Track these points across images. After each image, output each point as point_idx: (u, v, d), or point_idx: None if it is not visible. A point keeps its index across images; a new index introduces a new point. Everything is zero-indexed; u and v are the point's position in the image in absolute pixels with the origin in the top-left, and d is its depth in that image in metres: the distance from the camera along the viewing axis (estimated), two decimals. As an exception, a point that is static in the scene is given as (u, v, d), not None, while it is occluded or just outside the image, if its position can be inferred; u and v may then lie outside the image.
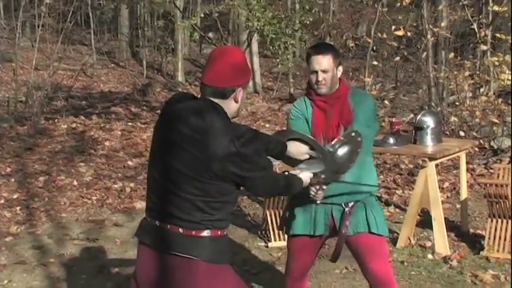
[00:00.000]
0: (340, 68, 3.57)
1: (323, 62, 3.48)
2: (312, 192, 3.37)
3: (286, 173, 3.22)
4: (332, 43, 13.79)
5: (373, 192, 3.67)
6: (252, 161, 2.77)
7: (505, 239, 5.43)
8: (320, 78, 3.49)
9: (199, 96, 2.89)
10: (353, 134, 3.36)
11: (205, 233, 2.78)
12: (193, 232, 2.76)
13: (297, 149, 3.21)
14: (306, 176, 3.18)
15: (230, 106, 2.84)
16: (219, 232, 2.82)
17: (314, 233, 3.59)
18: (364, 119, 3.48)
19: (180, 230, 2.76)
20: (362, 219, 3.54)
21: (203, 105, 2.79)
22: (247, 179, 2.80)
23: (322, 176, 3.27)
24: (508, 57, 8.88)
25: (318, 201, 3.42)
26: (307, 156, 3.24)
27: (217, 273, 2.80)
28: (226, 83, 2.80)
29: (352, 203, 3.53)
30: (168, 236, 2.79)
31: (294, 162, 3.26)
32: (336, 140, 3.35)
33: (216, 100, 2.80)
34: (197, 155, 2.71)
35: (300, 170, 3.23)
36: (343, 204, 3.53)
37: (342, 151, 3.32)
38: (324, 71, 3.48)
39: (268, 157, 2.98)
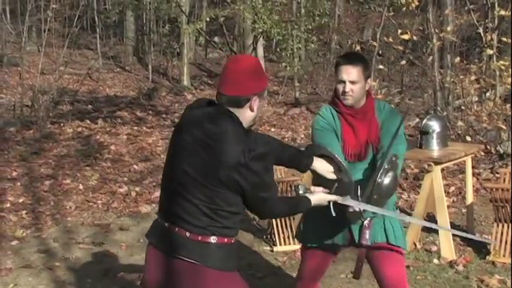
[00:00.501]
0: (369, 81, 3.49)
1: (352, 72, 3.39)
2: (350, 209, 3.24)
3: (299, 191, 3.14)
4: (337, 47, 13.81)
5: (393, 204, 3.58)
6: (259, 177, 2.75)
7: (511, 244, 5.41)
8: (347, 89, 3.40)
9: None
10: (393, 158, 3.26)
11: (212, 239, 2.77)
12: (200, 237, 2.76)
13: (322, 167, 3.20)
14: (319, 198, 3.11)
15: (245, 115, 2.83)
16: (225, 239, 2.81)
17: (332, 244, 3.55)
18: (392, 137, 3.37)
19: (187, 233, 2.77)
20: (380, 231, 3.48)
21: (219, 112, 2.79)
22: (249, 195, 2.77)
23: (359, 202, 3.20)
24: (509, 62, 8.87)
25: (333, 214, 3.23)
26: (333, 176, 3.20)
27: (225, 280, 2.80)
28: (241, 91, 2.79)
29: (369, 218, 3.42)
30: (175, 238, 2.80)
31: (323, 181, 3.22)
32: (382, 169, 3.22)
33: (231, 109, 2.80)
34: (207, 160, 2.72)
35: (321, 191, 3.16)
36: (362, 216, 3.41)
37: (387, 180, 3.22)
38: (352, 82, 3.39)
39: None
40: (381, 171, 3.20)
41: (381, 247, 3.50)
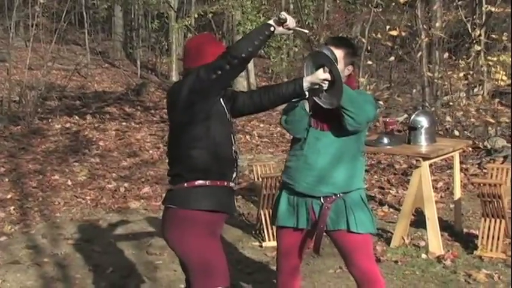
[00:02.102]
0: (350, 68, 3.61)
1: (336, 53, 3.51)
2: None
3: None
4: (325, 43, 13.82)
5: (359, 188, 3.63)
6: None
7: (498, 239, 5.44)
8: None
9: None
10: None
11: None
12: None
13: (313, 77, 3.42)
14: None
15: None
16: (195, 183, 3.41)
17: (297, 225, 3.62)
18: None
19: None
20: (342, 217, 3.55)
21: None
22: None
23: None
24: (502, 58, 8.91)
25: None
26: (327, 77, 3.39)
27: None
28: (194, 63, 3.36)
29: (331, 198, 3.53)
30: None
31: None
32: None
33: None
34: (176, 111, 3.48)
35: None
36: (321, 198, 3.54)
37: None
38: None
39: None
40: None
41: (344, 235, 3.58)
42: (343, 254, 3.68)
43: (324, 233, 3.65)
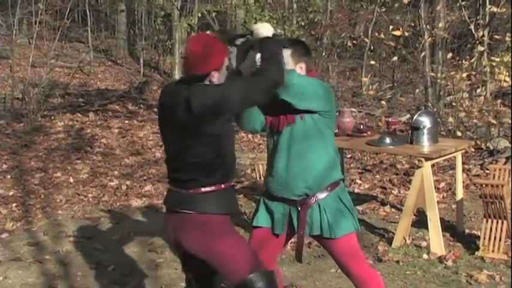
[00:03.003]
0: (302, 65, 3.60)
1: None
2: None
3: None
4: (328, 42, 13.81)
5: (334, 184, 3.61)
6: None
7: (500, 240, 5.44)
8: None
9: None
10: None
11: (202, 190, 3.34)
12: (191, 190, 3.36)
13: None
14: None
15: None
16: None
17: (273, 230, 3.64)
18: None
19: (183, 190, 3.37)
20: (316, 222, 3.55)
21: (186, 86, 3.26)
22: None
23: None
24: (505, 58, 8.90)
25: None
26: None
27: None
28: (199, 71, 3.22)
29: (307, 202, 3.53)
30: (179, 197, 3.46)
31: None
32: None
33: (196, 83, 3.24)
34: (185, 123, 3.28)
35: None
36: (298, 203, 3.54)
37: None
38: None
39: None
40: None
41: (326, 242, 3.60)
42: (333, 258, 3.71)
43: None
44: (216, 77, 3.23)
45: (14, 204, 6.97)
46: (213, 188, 3.27)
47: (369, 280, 3.65)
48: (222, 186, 3.29)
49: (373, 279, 3.67)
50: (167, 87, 3.48)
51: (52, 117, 11.80)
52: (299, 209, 3.55)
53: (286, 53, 3.49)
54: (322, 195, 3.55)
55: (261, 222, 3.66)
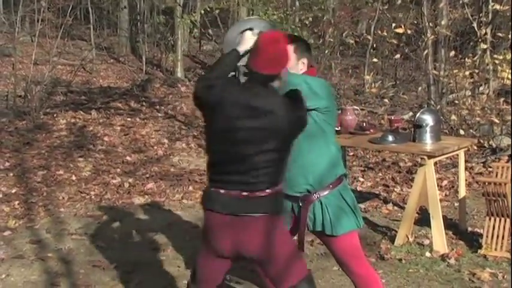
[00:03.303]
0: (304, 61, 3.63)
1: None
2: None
3: None
4: (331, 40, 13.79)
5: (336, 182, 3.62)
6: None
7: (502, 238, 5.44)
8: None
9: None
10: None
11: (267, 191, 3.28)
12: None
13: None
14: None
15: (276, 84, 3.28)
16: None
17: None
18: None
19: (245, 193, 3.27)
20: (318, 219, 3.58)
21: (264, 90, 3.23)
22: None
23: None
24: (508, 56, 8.88)
25: None
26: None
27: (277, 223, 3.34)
28: (277, 70, 3.22)
29: (309, 198, 3.55)
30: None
31: None
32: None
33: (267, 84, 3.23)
34: (263, 129, 3.23)
35: None
36: (300, 200, 3.57)
37: None
38: None
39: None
40: None
41: (327, 240, 3.63)
42: (333, 255, 3.73)
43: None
44: (284, 76, 3.28)
45: (17, 202, 6.97)
46: (276, 189, 3.25)
47: (367, 279, 3.65)
48: (281, 187, 3.29)
49: (372, 278, 3.67)
50: (233, 85, 3.30)
51: (54, 115, 11.80)
52: (300, 205, 3.57)
53: (289, 49, 3.46)
54: (324, 193, 3.57)
55: None
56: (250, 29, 3.37)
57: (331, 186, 3.59)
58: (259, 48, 3.21)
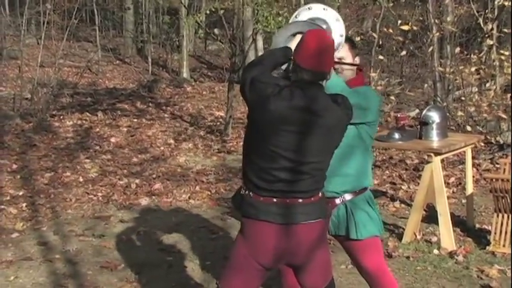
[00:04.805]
0: (357, 59, 3.65)
1: (341, 50, 3.53)
2: None
3: None
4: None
5: (365, 189, 3.62)
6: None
7: (511, 234, 5.41)
8: (337, 66, 3.49)
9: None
10: None
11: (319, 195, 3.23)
12: (312, 199, 3.20)
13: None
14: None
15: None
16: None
17: None
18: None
19: (300, 200, 3.17)
20: (343, 223, 3.57)
21: (320, 93, 3.13)
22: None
23: None
24: (514, 52, 8.86)
25: None
26: None
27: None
28: (329, 67, 3.14)
29: (334, 202, 3.53)
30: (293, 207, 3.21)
31: None
32: None
33: (318, 82, 3.13)
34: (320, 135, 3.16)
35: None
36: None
37: None
38: (339, 58, 3.53)
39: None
40: None
41: (348, 242, 3.61)
42: (350, 258, 3.72)
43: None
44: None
45: (24, 204, 6.98)
46: (323, 192, 3.22)
47: (385, 284, 3.61)
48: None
49: (391, 284, 3.63)
50: (280, 84, 3.11)
51: (61, 117, 11.83)
52: None
53: (346, 47, 3.54)
54: (349, 197, 3.57)
55: None
56: (301, 33, 3.25)
57: (357, 192, 3.60)
58: (305, 42, 3.10)
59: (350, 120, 3.18)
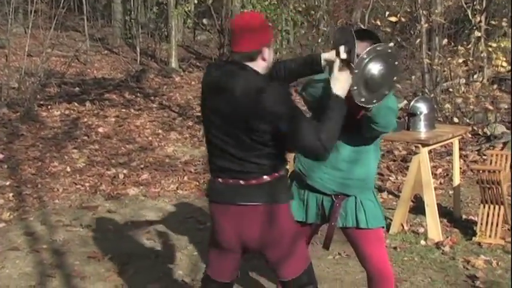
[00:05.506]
0: None
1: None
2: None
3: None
4: (325, 29, 13.76)
5: (369, 185, 3.60)
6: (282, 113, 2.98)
7: (497, 225, 5.45)
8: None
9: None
10: (379, 48, 3.13)
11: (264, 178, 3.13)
12: (253, 181, 3.13)
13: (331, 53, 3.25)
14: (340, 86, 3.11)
15: (259, 65, 3.09)
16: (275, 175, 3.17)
17: (306, 220, 3.61)
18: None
19: (241, 181, 3.13)
20: (351, 213, 3.53)
21: (237, 68, 3.07)
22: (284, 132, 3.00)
23: (355, 88, 3.11)
24: (502, 44, 8.88)
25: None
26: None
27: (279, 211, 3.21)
28: (252, 46, 3.04)
29: (342, 196, 3.51)
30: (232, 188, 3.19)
31: None
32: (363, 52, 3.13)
33: (246, 63, 3.06)
34: (239, 113, 3.03)
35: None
36: (333, 196, 3.52)
37: (373, 66, 3.12)
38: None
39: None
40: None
41: (354, 232, 3.56)
42: (355, 248, 3.65)
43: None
44: (267, 54, 3.08)
45: (11, 194, 6.95)
46: (274, 176, 3.11)
47: (383, 274, 3.61)
48: (282, 173, 3.16)
49: (388, 275, 3.63)
50: (214, 67, 3.21)
51: (48, 107, 11.78)
52: (334, 200, 3.52)
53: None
54: (357, 190, 3.55)
55: (294, 215, 3.50)
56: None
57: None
58: (232, 31, 3.11)
59: (258, 116, 2.96)
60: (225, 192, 3.13)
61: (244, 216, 3.11)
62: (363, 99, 3.15)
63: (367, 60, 3.11)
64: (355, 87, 3.12)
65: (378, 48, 3.14)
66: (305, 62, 3.37)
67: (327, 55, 3.27)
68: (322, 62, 3.28)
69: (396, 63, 3.20)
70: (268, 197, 3.10)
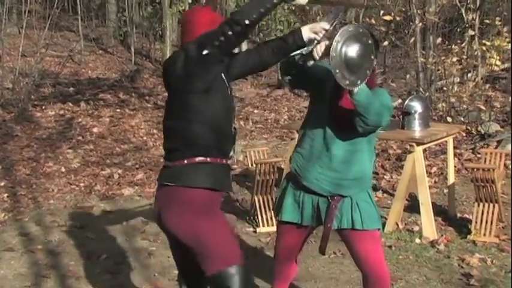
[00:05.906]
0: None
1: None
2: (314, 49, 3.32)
3: None
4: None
5: (366, 185, 3.60)
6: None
7: (491, 223, 5.47)
8: None
9: None
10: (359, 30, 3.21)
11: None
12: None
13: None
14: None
15: None
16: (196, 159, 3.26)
17: (301, 222, 3.60)
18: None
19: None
20: (347, 215, 3.51)
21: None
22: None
23: (337, 71, 3.14)
24: (496, 42, 8.89)
25: (316, 58, 3.33)
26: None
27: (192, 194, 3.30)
28: (187, 38, 3.25)
29: (338, 197, 3.50)
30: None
31: None
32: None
33: None
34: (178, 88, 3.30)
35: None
36: (329, 197, 3.51)
37: (349, 47, 3.17)
38: None
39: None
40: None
41: (349, 233, 3.55)
42: (351, 250, 3.63)
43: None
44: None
45: (6, 195, 6.94)
46: (200, 159, 3.15)
47: (379, 276, 3.60)
48: (208, 159, 3.17)
49: (384, 276, 3.63)
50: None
51: (43, 107, 11.75)
52: (330, 201, 3.51)
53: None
54: (353, 191, 3.54)
55: (288, 216, 3.61)
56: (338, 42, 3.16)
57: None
58: (181, 22, 3.37)
59: (193, 80, 3.17)
60: (160, 173, 3.36)
61: (163, 197, 3.25)
62: (347, 82, 3.17)
63: (341, 42, 3.15)
64: (337, 71, 3.15)
65: (350, 29, 3.20)
66: (287, 37, 3.38)
67: (309, 25, 3.35)
68: (304, 34, 3.32)
69: (370, 42, 3.22)
70: (178, 179, 3.19)
